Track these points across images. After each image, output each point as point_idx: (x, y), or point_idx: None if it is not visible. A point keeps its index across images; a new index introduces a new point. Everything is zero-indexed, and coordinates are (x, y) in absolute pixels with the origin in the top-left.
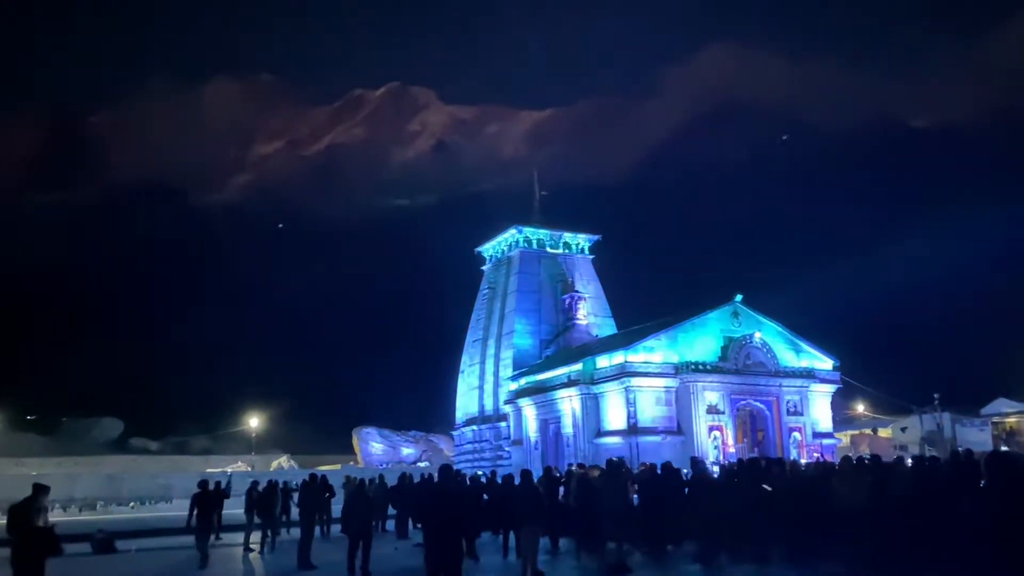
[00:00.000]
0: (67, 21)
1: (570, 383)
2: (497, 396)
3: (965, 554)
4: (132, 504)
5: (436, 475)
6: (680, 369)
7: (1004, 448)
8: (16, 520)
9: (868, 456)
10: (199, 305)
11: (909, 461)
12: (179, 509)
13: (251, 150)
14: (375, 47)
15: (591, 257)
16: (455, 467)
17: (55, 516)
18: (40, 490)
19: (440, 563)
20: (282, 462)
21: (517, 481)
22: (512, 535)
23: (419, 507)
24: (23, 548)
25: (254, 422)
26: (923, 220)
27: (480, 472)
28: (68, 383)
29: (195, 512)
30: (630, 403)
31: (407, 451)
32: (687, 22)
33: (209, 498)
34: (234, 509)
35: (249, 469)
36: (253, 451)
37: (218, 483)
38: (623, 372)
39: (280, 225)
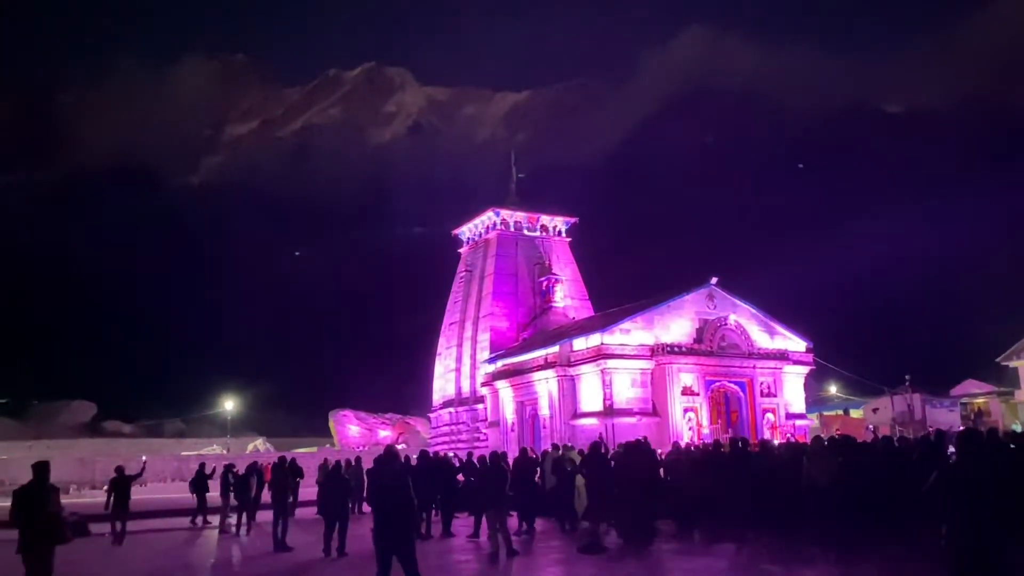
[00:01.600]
0: None
1: (547, 365)
2: (474, 378)
3: (929, 526)
4: (105, 487)
5: (381, 459)
6: (656, 351)
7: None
8: (23, 505)
9: (838, 436)
10: (172, 287)
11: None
12: (153, 492)
13: (224, 131)
14: (350, 27)
15: (568, 240)
16: (431, 449)
17: None
18: (42, 470)
19: (388, 542)
20: (258, 445)
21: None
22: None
23: (369, 489)
24: (31, 535)
25: (229, 405)
26: (896, 203)
27: (452, 454)
28: (39, 365)
29: (112, 497)
30: (606, 385)
31: (384, 433)
32: (664, 6)
33: (126, 483)
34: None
35: (224, 452)
36: (228, 434)
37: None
38: (599, 354)
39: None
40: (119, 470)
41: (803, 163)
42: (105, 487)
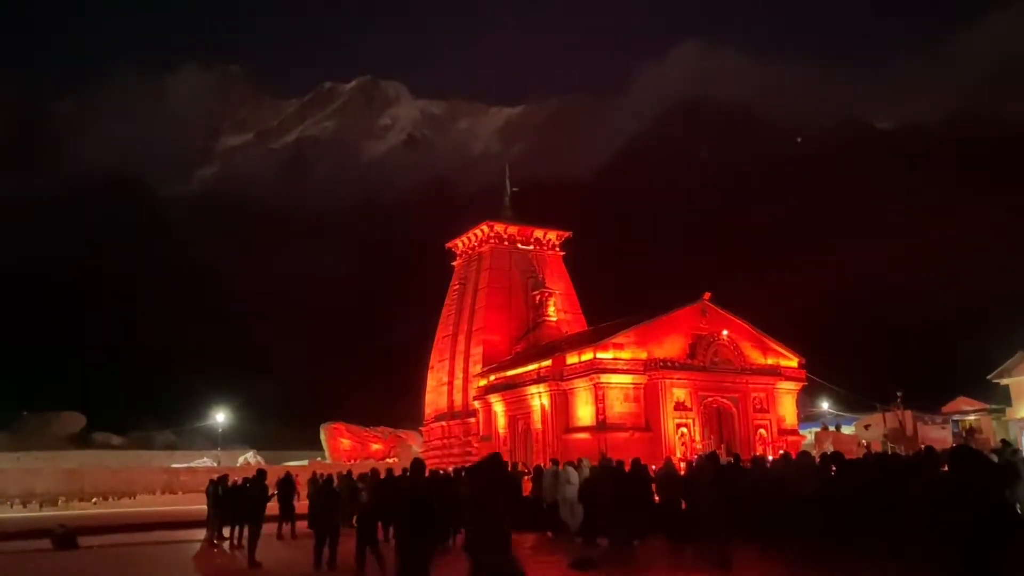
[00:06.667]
0: (30, 6)
1: (540, 379)
2: (467, 392)
3: (921, 540)
4: (94, 500)
5: (409, 471)
6: (648, 366)
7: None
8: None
9: (831, 452)
10: (164, 298)
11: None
12: (142, 505)
13: (218, 142)
14: (346, 40)
15: (562, 253)
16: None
17: (15, 512)
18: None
19: (410, 559)
20: (249, 457)
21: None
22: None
23: (392, 504)
24: None
25: (220, 417)
26: (888, 220)
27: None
28: (29, 376)
29: None
30: (599, 399)
31: (376, 447)
32: (658, 22)
33: None
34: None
35: (215, 464)
36: (219, 446)
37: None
38: (592, 368)
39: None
40: None
41: (795, 178)
42: (92, 499)
